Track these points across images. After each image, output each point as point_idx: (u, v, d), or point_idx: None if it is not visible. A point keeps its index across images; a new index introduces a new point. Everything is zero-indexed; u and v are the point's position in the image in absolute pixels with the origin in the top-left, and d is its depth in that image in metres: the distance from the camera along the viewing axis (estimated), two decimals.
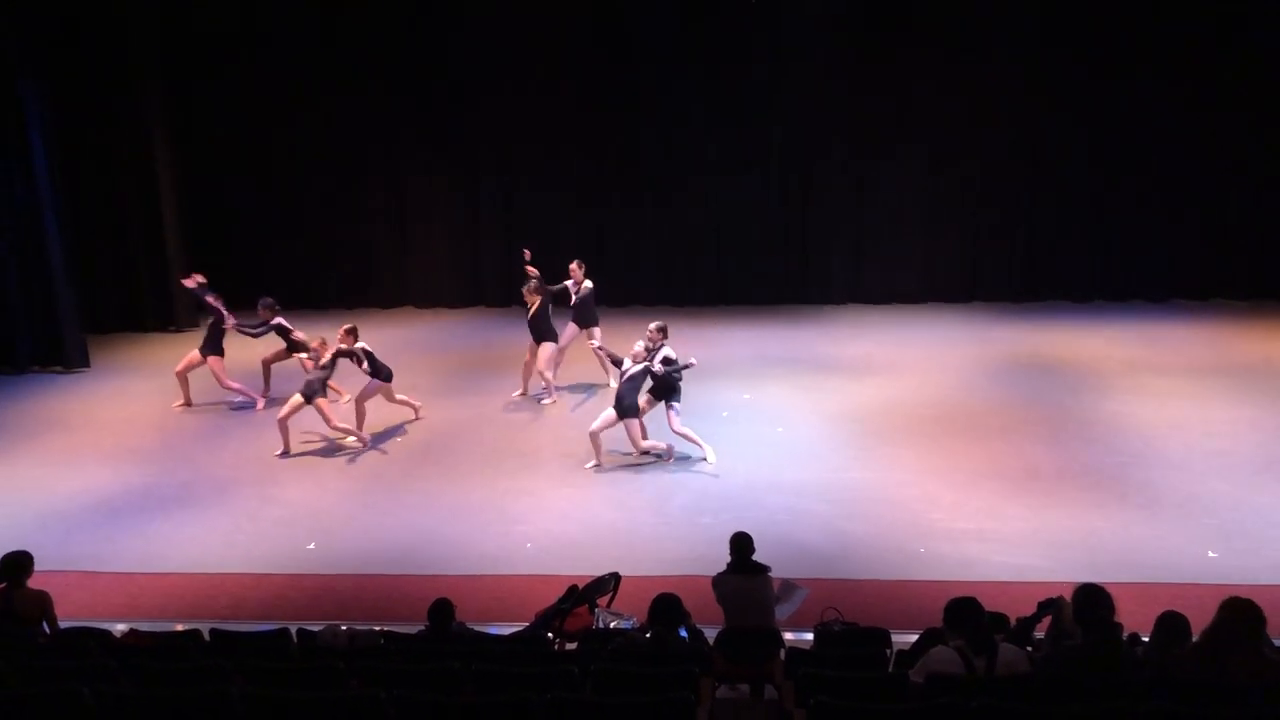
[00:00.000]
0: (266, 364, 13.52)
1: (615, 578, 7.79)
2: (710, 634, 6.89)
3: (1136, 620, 6.01)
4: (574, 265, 13.30)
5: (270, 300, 13.27)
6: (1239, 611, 5.07)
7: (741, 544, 7.09)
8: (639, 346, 11.22)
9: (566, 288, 13.17)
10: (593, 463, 11.17)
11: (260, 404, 13.22)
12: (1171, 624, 5.64)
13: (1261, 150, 16.32)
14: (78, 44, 15.77)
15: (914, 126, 16.80)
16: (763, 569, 7.05)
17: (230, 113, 17.33)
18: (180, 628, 7.60)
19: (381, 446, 11.92)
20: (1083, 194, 16.88)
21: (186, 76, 16.98)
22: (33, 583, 6.98)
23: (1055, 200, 16.94)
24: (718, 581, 7.05)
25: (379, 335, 14.70)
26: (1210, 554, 9.08)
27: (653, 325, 11.41)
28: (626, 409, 11.00)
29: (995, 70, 16.48)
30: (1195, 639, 5.37)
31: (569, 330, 13.37)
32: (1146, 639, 5.79)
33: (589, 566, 8.43)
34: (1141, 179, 16.68)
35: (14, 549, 7.04)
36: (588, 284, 13.26)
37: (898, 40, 16.50)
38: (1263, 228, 16.61)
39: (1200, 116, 16.28)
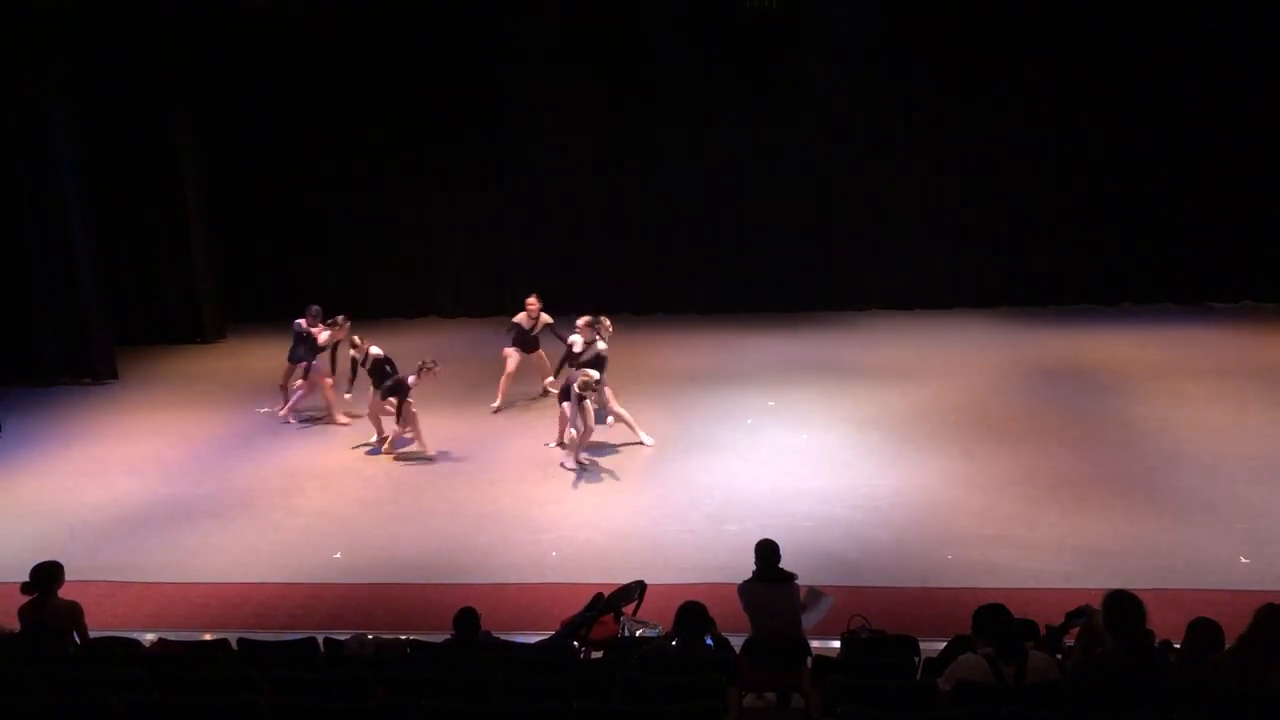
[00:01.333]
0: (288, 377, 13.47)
1: (640, 586, 7.76)
2: (736, 642, 6.86)
3: (1168, 628, 5.94)
4: (532, 299, 13.25)
5: (317, 309, 13.20)
6: (1276, 619, 5.00)
7: (767, 551, 7.05)
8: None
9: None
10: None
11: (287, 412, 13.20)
12: (1204, 631, 5.56)
13: None
14: (107, 62, 15.94)
15: (940, 131, 16.71)
16: (789, 576, 7.01)
17: (255, 127, 17.45)
18: (209, 637, 7.63)
19: (405, 456, 11.95)
20: (1110, 197, 16.73)
21: (213, 92, 17.11)
22: (63, 593, 7.04)
23: (1083, 204, 16.80)
24: (743, 589, 7.01)
25: (404, 345, 14.75)
26: (1243, 560, 8.97)
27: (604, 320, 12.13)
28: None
29: (1022, 75, 16.37)
30: (1230, 646, 5.29)
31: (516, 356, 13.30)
32: (1178, 646, 5.72)
33: (614, 575, 8.42)
34: (1169, 181, 16.51)
35: (44, 560, 7.11)
36: (545, 317, 13.30)
37: (925, 46, 16.40)
38: None
39: (1229, 117, 16.11)
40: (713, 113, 16.95)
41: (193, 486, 11.45)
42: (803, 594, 7.17)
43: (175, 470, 11.92)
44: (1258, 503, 9.95)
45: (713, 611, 6.64)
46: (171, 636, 7.75)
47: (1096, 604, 5.70)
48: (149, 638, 7.70)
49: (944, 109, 16.64)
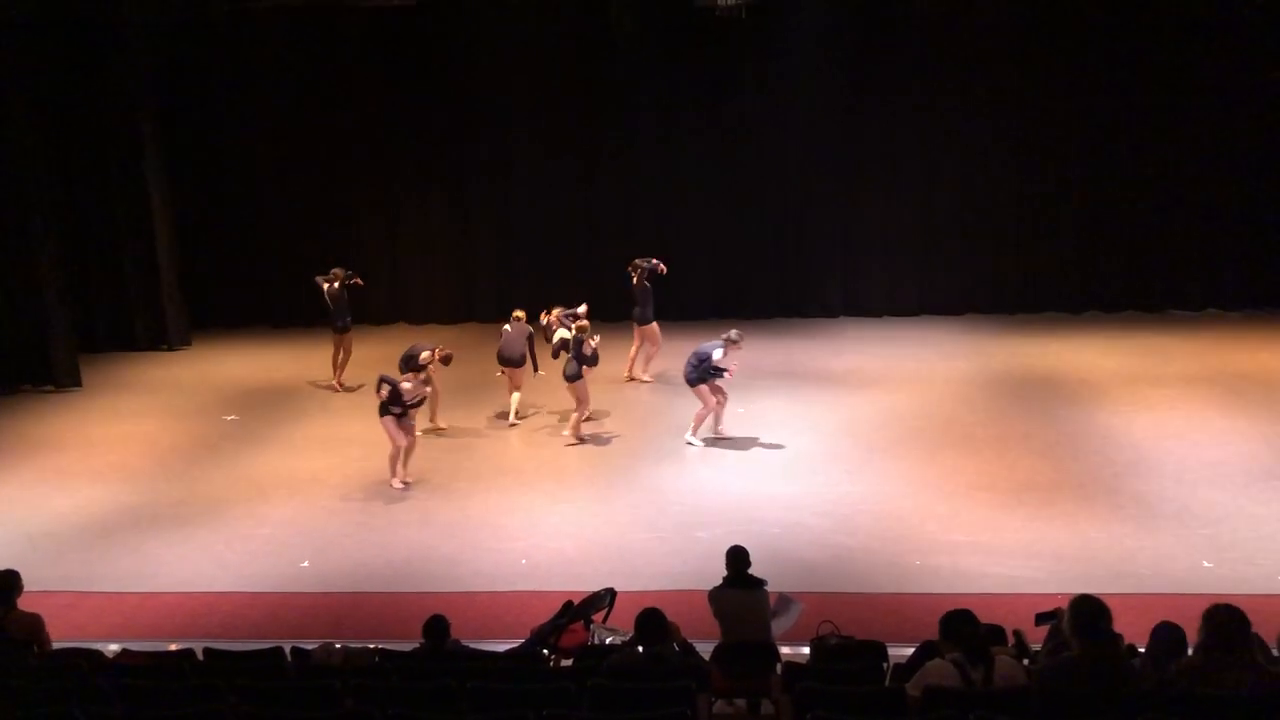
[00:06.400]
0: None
1: (611, 593, 7.76)
2: (706, 649, 6.86)
3: (1133, 631, 6.00)
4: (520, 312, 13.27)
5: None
6: (1223, 619, 5.07)
7: (737, 558, 7.07)
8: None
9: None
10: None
11: None
12: (1167, 635, 5.63)
13: (1255, 163, 16.40)
14: (71, 67, 15.74)
15: (909, 139, 16.86)
16: (759, 583, 7.03)
17: (223, 133, 17.32)
18: (174, 647, 7.54)
19: (375, 465, 11.85)
20: (1076, 206, 16.93)
21: (179, 98, 16.96)
22: (24, 603, 6.93)
23: (1049, 212, 16.99)
24: (714, 596, 7.02)
25: (373, 352, 14.71)
26: (1205, 564, 9.09)
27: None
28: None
29: (989, 85, 16.53)
30: (1191, 651, 5.35)
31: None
32: (1143, 650, 5.78)
33: (584, 582, 8.41)
34: (1134, 191, 16.73)
35: (3, 569, 6.99)
36: (527, 327, 13.31)
37: (893, 54, 16.56)
38: (1254, 240, 16.68)
39: (1192, 129, 16.36)
40: (681, 120, 17.01)
41: (157, 495, 11.32)
42: (772, 600, 7.19)
43: (139, 479, 11.79)
44: (1220, 507, 10.09)
45: (682, 619, 6.65)
46: (135, 647, 7.66)
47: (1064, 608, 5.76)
48: (112, 648, 7.60)
49: (912, 117, 16.77)
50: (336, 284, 14.18)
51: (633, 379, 14.33)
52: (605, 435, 12.54)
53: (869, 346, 15.81)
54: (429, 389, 11.86)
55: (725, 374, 11.78)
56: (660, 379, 14.38)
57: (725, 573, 7.06)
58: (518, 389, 12.96)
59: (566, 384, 12.27)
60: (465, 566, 9.54)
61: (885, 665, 6.50)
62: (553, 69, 17.03)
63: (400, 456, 11.21)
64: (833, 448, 11.92)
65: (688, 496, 10.78)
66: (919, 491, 10.72)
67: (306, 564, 9.71)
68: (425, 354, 11.75)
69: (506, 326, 13.12)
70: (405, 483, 11.20)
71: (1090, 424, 12.35)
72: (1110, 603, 5.18)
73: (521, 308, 13.28)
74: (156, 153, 16.58)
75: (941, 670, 5.30)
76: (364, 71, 17.16)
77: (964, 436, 12.06)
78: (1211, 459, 11.18)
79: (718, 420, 12.19)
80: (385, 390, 11.11)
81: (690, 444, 12.03)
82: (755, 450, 11.92)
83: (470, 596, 8.96)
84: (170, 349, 16.82)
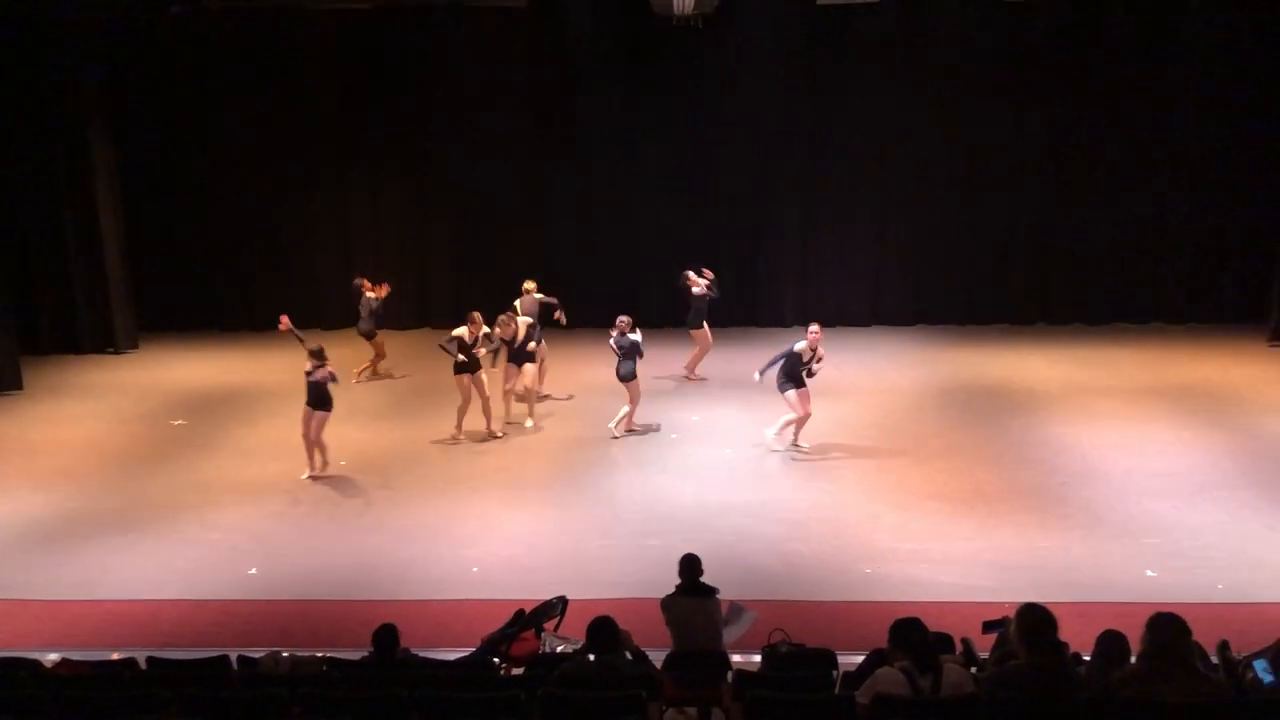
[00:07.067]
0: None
1: (562, 601, 7.74)
2: (659, 657, 6.86)
3: (1079, 639, 6.07)
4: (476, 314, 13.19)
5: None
6: (1165, 627, 5.16)
7: (690, 566, 7.08)
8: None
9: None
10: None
11: None
12: (1112, 643, 5.72)
13: (1199, 182, 16.74)
14: (16, 64, 15.46)
15: (862, 151, 17.00)
16: (711, 591, 7.04)
17: (172, 134, 17.05)
18: (116, 656, 7.41)
19: (326, 471, 11.73)
20: (1025, 219, 17.19)
21: (127, 97, 16.69)
22: None
23: (998, 225, 17.21)
24: (666, 604, 7.02)
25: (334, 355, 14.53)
26: (1149, 573, 9.24)
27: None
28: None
29: (941, 99, 16.71)
30: (1134, 659, 5.44)
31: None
32: (1088, 658, 5.86)
33: (536, 591, 8.38)
34: (1082, 207, 17.01)
35: None
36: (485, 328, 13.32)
37: (847, 66, 16.70)
38: (1198, 256, 17.03)
39: (1139, 147, 16.67)
40: (638, 129, 17.02)
41: (101, 501, 11.12)
42: (725, 609, 7.21)
43: (82, 484, 11.57)
44: (1164, 518, 10.27)
45: (635, 627, 6.63)
46: (76, 656, 7.51)
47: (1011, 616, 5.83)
48: (51, 658, 7.46)
49: (865, 130, 16.92)
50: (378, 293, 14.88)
51: (690, 379, 14.76)
52: (560, 442, 12.50)
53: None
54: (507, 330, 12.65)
55: (815, 367, 11.86)
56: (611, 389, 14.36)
57: (678, 581, 7.06)
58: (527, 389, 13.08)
59: (622, 384, 12.53)
60: (417, 574, 9.46)
61: (835, 673, 6.54)
62: (510, 76, 16.98)
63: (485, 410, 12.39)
64: (785, 456, 11.98)
65: (641, 504, 10.78)
66: (870, 500, 10.80)
67: (254, 571, 9.57)
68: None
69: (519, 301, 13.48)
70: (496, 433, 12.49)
71: (1038, 434, 12.52)
72: (1056, 611, 5.25)
73: (477, 310, 13.16)
74: (106, 153, 16.30)
75: (890, 678, 5.33)
76: (319, 75, 16.99)
77: (915, 446, 12.17)
78: (1156, 470, 11.38)
79: (798, 430, 12.11)
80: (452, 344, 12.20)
81: (775, 449, 12.09)
82: (709, 458, 11.95)
83: (421, 605, 8.89)
84: (117, 352, 16.52)
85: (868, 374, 14.91)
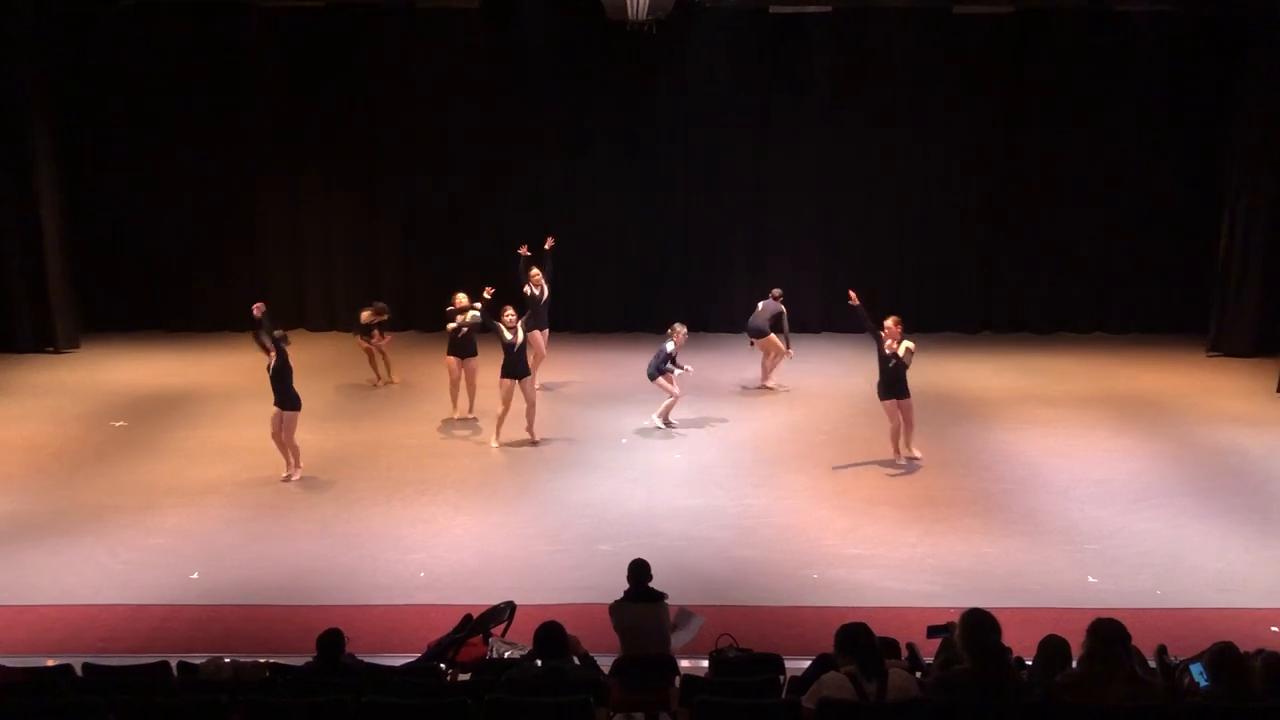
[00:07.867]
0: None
1: (510, 607, 7.70)
2: (608, 662, 6.84)
3: (1021, 644, 6.16)
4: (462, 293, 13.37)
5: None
6: (1105, 632, 5.25)
7: (639, 571, 7.08)
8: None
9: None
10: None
11: None
12: (1053, 647, 5.80)
13: (1143, 194, 17.06)
14: None
15: (813, 158, 17.14)
16: (659, 596, 7.04)
17: (117, 129, 16.77)
18: (51, 663, 7.26)
19: (271, 473, 11.56)
20: (973, 229, 17.42)
21: (71, 90, 16.38)
22: None
23: (946, 234, 17.43)
24: (615, 609, 7.01)
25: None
26: (1090, 579, 9.39)
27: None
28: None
29: (890, 108, 16.91)
30: (1075, 663, 5.52)
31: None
32: (1030, 662, 5.95)
33: (483, 596, 8.34)
34: (1027, 217, 17.29)
35: None
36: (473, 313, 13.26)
37: (797, 73, 16.82)
38: (1141, 266, 17.36)
39: (1084, 160, 16.98)
40: (590, 132, 17.03)
41: (37, 503, 10.87)
42: (673, 614, 7.21)
43: (18, 486, 11.30)
44: (1105, 524, 10.45)
45: (584, 632, 6.62)
46: (8, 663, 7.30)
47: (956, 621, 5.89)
48: None
49: (816, 137, 17.06)
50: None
51: (766, 388, 14.70)
52: (510, 446, 12.44)
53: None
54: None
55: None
56: (563, 392, 14.31)
57: (627, 586, 7.05)
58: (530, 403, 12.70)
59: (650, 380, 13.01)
60: (362, 578, 9.36)
61: (782, 678, 6.57)
62: (462, 77, 16.90)
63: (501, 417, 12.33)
64: (736, 461, 12.03)
65: (590, 509, 10.75)
66: (819, 505, 10.87)
67: (196, 575, 9.41)
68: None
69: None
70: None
71: (984, 441, 12.69)
72: (1000, 616, 5.32)
73: (427, 313, 13.10)
74: (46, 148, 15.95)
75: (836, 683, 5.36)
76: (267, 71, 16.77)
77: (863, 452, 12.27)
78: (1098, 477, 11.58)
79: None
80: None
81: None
82: (658, 463, 11.96)
83: (367, 609, 8.79)
84: (57, 351, 16.17)
85: (819, 380, 15.02)
